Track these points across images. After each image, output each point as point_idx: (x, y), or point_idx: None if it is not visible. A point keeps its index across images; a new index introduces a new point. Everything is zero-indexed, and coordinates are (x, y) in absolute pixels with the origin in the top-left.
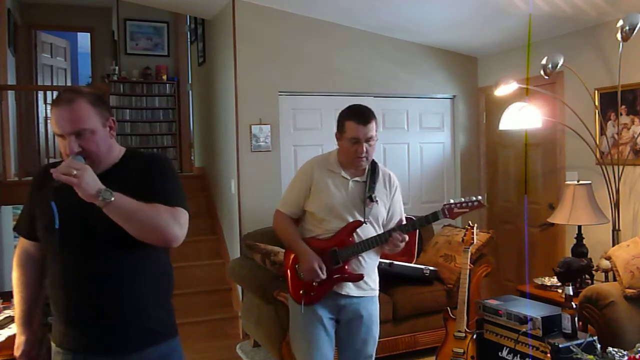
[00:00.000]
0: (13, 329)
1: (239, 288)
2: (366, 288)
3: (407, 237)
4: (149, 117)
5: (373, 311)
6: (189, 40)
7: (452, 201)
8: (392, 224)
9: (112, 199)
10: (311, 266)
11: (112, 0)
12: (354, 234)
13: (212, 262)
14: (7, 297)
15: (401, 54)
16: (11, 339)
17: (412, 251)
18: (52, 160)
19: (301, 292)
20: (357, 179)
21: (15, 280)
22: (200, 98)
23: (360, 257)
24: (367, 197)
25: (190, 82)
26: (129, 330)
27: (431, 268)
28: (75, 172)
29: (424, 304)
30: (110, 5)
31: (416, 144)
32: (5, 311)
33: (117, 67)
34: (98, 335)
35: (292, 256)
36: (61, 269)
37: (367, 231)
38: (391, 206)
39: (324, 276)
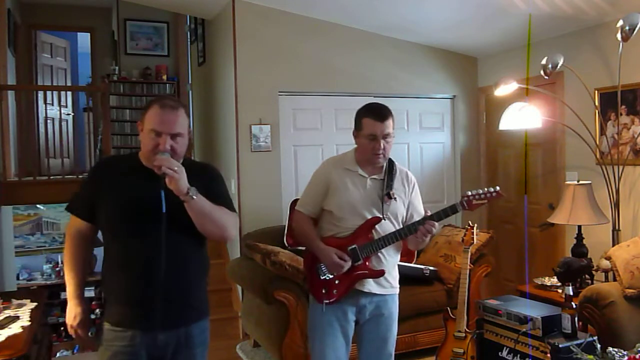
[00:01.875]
0: (13, 328)
1: (239, 288)
2: (387, 285)
3: (437, 225)
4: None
5: (393, 310)
6: (189, 40)
7: (470, 193)
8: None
9: (196, 196)
10: (332, 260)
11: (112, 0)
12: (373, 230)
13: (212, 262)
14: (7, 297)
15: (401, 54)
16: (11, 339)
17: (412, 251)
18: (52, 160)
19: (323, 291)
20: (374, 176)
21: (69, 256)
22: (200, 98)
23: (380, 254)
24: (385, 194)
25: (190, 82)
26: (183, 308)
27: (431, 268)
28: (176, 167)
29: (424, 304)
30: (110, 5)
31: (416, 144)
32: (6, 311)
33: (117, 67)
34: (158, 314)
35: (311, 257)
36: (129, 251)
37: (386, 228)
38: (410, 204)
39: (348, 265)
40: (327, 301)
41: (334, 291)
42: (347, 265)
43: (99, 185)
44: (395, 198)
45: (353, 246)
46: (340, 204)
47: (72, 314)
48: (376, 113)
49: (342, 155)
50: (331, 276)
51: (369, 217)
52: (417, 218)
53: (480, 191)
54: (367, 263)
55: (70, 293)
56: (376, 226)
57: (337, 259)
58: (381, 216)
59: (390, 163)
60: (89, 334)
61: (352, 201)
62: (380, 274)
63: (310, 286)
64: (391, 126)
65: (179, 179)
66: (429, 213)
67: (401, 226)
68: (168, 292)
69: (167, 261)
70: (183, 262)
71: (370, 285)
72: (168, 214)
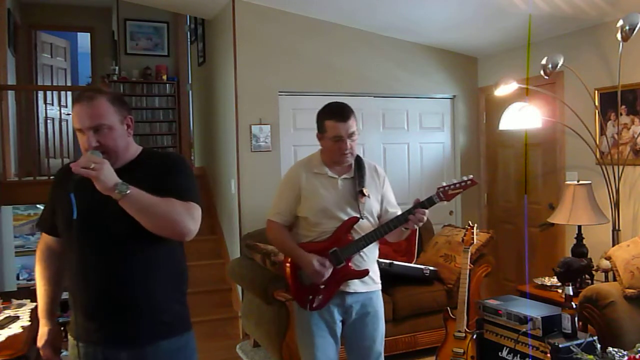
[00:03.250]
0: (13, 328)
1: (239, 288)
2: (370, 282)
3: (427, 213)
4: (149, 117)
5: (378, 307)
6: (189, 40)
7: (444, 184)
8: (388, 215)
9: (128, 192)
10: (312, 268)
11: (112, 0)
12: (352, 231)
13: (212, 262)
14: (7, 297)
15: (401, 54)
16: (11, 339)
17: (412, 251)
18: (52, 160)
19: (309, 297)
20: (345, 176)
21: (38, 274)
22: (200, 98)
23: (361, 253)
24: (358, 192)
25: (190, 82)
26: (143, 323)
27: (431, 268)
28: (93, 165)
29: (424, 304)
30: (110, 5)
31: (416, 144)
32: (6, 311)
33: (117, 67)
34: (114, 328)
35: (291, 264)
36: (79, 262)
37: (364, 226)
38: (383, 198)
39: (329, 272)
40: (313, 308)
41: (320, 296)
42: (329, 272)
43: (55, 195)
44: (368, 195)
45: (333, 249)
46: (314, 209)
47: (39, 335)
48: (338, 114)
49: (308, 158)
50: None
51: (346, 218)
52: (392, 210)
53: (455, 181)
54: (349, 264)
55: (39, 312)
56: (354, 226)
57: (318, 267)
58: (358, 215)
59: (358, 160)
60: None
61: (326, 205)
62: (364, 273)
63: (295, 294)
64: (354, 124)
65: (96, 176)
66: (420, 200)
67: (377, 222)
68: (124, 305)
69: (117, 271)
70: (137, 271)
71: (356, 285)
72: (115, 220)
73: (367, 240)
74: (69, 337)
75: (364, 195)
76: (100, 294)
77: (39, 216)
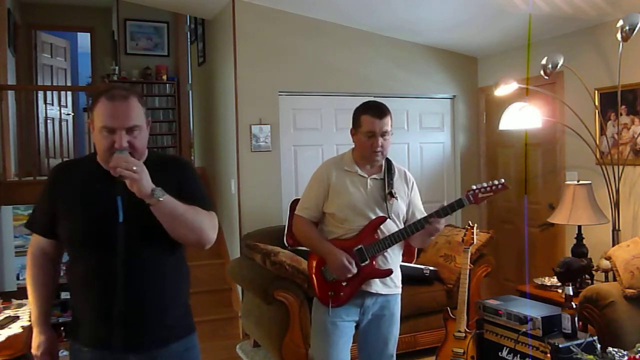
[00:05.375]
0: (13, 328)
1: (239, 288)
2: (392, 285)
3: (442, 222)
4: (148, 117)
5: (395, 310)
6: (189, 40)
7: (474, 187)
8: (415, 220)
9: (164, 197)
10: (340, 263)
11: (112, 0)
12: (378, 230)
13: (212, 262)
14: (7, 297)
15: (401, 54)
16: (11, 339)
17: (412, 251)
18: (52, 160)
19: (330, 293)
20: (374, 176)
21: (31, 279)
22: (200, 98)
23: (385, 253)
24: (387, 193)
25: (190, 82)
26: (155, 327)
27: (431, 268)
28: (135, 167)
29: (424, 304)
30: (110, 5)
31: (416, 144)
32: (6, 311)
33: (117, 67)
34: (127, 333)
35: (315, 259)
36: (96, 266)
37: (390, 227)
38: (411, 202)
39: (354, 270)
40: (335, 305)
41: (342, 293)
42: (355, 269)
43: (54, 195)
44: (397, 197)
45: (359, 246)
46: (342, 206)
47: (35, 343)
48: (375, 110)
49: (340, 156)
50: (338, 277)
51: (373, 217)
52: (418, 216)
53: (485, 184)
54: (373, 263)
55: (33, 319)
56: (381, 226)
57: (346, 262)
58: (386, 215)
59: (388, 162)
60: None
61: (355, 202)
62: (388, 273)
63: (317, 290)
64: (389, 124)
65: (139, 179)
66: (447, 203)
67: (402, 225)
68: (138, 309)
69: (132, 277)
70: (156, 277)
71: (377, 286)
72: (130, 222)
73: (392, 240)
74: (73, 341)
75: (392, 196)
76: (114, 299)
77: (28, 216)
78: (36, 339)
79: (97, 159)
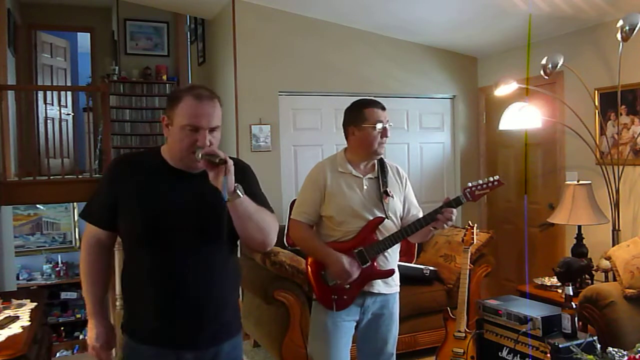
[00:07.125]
0: (13, 328)
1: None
2: (392, 284)
3: (455, 212)
4: (149, 117)
5: (394, 309)
6: (189, 40)
7: (470, 184)
8: (411, 216)
9: (243, 195)
10: (342, 267)
11: (112, 0)
12: (377, 231)
13: None
14: (7, 297)
15: (401, 53)
16: (11, 339)
17: (412, 251)
18: (51, 161)
19: (334, 297)
20: (369, 175)
21: (87, 268)
22: None
23: (385, 253)
24: (383, 192)
25: (190, 82)
26: (212, 324)
27: (431, 268)
28: (230, 161)
29: (424, 304)
30: (110, 5)
31: (416, 144)
32: (6, 311)
33: (117, 67)
34: (188, 329)
35: (313, 265)
36: (163, 260)
37: (388, 226)
38: (406, 199)
39: (356, 275)
40: (340, 309)
41: (345, 297)
42: (357, 272)
43: (119, 188)
44: (392, 195)
45: (359, 248)
46: (339, 208)
47: (93, 334)
48: (375, 102)
49: (333, 157)
50: (340, 282)
51: (371, 218)
52: (414, 212)
53: (481, 181)
54: (374, 264)
55: (90, 310)
56: (379, 226)
57: (347, 267)
58: (384, 215)
59: (381, 160)
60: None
61: (352, 204)
62: (390, 273)
63: (319, 295)
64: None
65: (232, 172)
66: (450, 198)
67: (400, 223)
68: (199, 308)
69: (194, 273)
70: (216, 274)
71: (379, 286)
72: (196, 218)
73: (393, 240)
74: (126, 337)
75: (388, 195)
76: (179, 299)
77: (86, 205)
78: (93, 330)
79: (163, 155)
